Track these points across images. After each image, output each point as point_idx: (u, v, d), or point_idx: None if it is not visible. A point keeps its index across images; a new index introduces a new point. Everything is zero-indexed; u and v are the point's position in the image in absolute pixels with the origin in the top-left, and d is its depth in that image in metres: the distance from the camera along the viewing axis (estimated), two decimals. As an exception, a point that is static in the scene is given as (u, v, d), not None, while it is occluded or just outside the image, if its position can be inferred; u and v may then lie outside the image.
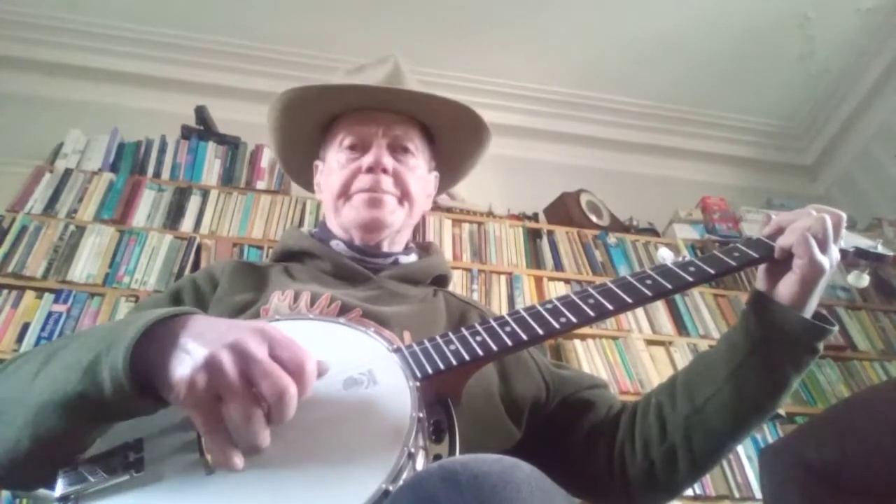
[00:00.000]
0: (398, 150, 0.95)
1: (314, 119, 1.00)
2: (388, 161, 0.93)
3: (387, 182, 0.92)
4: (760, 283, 0.73)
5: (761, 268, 0.73)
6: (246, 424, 0.49)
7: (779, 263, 0.71)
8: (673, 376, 0.78)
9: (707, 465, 0.74)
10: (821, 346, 0.69)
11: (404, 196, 0.95)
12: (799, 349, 0.69)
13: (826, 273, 0.68)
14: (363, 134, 0.95)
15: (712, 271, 0.71)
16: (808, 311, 0.69)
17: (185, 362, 0.50)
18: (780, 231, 0.73)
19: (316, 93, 0.95)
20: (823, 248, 0.68)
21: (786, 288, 0.69)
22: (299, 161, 1.07)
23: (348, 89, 0.95)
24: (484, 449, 0.53)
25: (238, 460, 0.50)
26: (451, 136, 1.03)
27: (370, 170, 0.92)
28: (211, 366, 0.49)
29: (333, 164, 0.96)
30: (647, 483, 0.76)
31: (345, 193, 0.93)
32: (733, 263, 0.72)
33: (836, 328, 0.71)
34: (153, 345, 0.52)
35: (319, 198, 1.03)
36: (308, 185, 1.09)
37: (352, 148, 0.95)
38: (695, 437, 0.72)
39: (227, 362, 0.49)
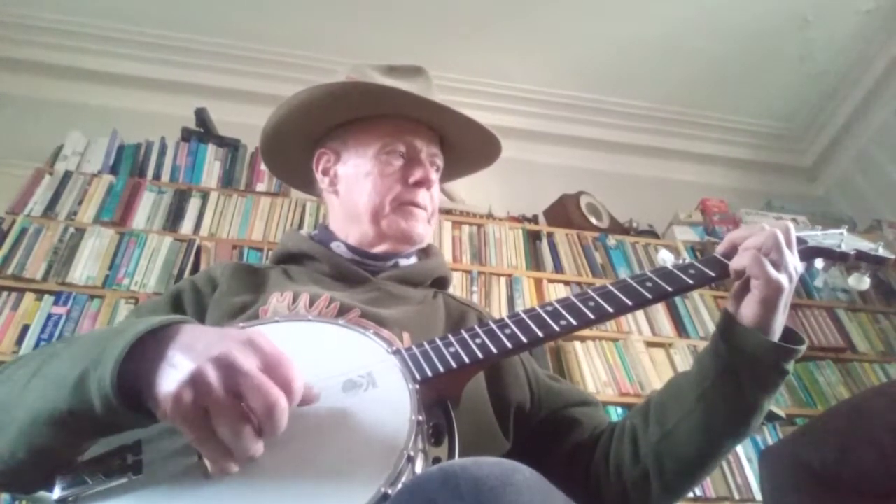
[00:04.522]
0: (434, 166, 0.97)
1: (345, 115, 0.96)
2: (435, 177, 0.95)
3: (427, 198, 0.94)
4: (730, 301, 0.70)
5: (733, 286, 0.71)
6: (235, 440, 0.48)
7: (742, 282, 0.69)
8: (648, 398, 0.78)
9: (680, 489, 0.73)
10: (790, 365, 0.67)
11: (433, 213, 0.97)
12: (764, 371, 0.67)
13: (786, 290, 0.66)
14: (413, 145, 0.94)
15: (713, 274, 0.70)
16: (775, 330, 0.67)
17: (171, 377, 0.49)
18: (734, 249, 0.71)
19: (373, 90, 0.91)
20: (778, 265, 0.66)
21: (748, 309, 0.67)
22: (292, 144, 1.02)
23: (409, 98, 0.90)
24: (479, 453, 0.53)
25: (233, 467, 0.50)
26: (463, 153, 1.03)
27: (418, 184, 0.92)
28: (197, 381, 0.48)
29: (369, 167, 0.93)
30: None
31: (392, 201, 0.91)
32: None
33: (805, 346, 0.68)
34: (141, 357, 0.51)
35: (323, 187, 1.00)
36: (279, 167, 1.07)
37: (398, 155, 0.93)
38: (666, 460, 0.71)
39: (214, 377, 0.48)
